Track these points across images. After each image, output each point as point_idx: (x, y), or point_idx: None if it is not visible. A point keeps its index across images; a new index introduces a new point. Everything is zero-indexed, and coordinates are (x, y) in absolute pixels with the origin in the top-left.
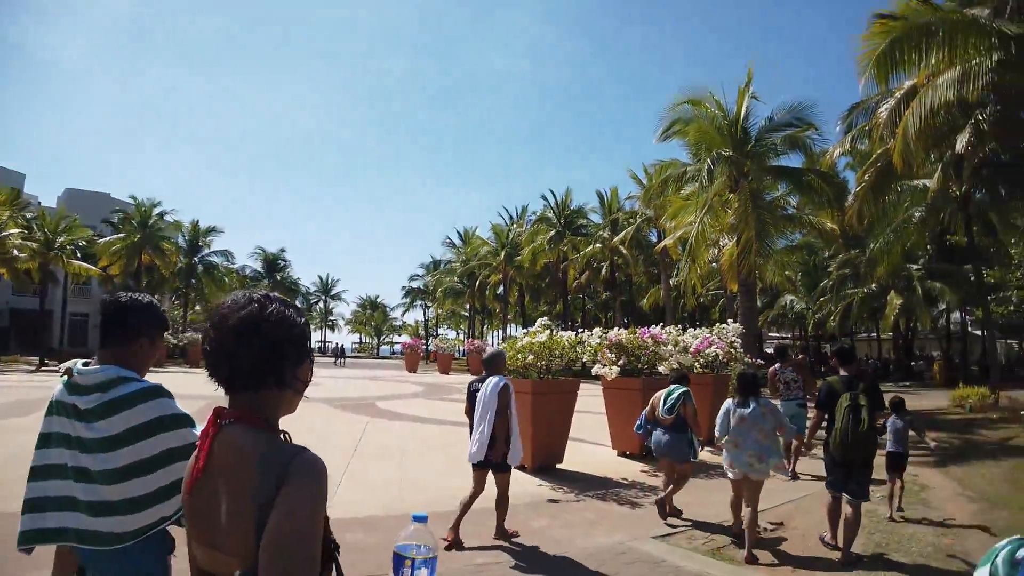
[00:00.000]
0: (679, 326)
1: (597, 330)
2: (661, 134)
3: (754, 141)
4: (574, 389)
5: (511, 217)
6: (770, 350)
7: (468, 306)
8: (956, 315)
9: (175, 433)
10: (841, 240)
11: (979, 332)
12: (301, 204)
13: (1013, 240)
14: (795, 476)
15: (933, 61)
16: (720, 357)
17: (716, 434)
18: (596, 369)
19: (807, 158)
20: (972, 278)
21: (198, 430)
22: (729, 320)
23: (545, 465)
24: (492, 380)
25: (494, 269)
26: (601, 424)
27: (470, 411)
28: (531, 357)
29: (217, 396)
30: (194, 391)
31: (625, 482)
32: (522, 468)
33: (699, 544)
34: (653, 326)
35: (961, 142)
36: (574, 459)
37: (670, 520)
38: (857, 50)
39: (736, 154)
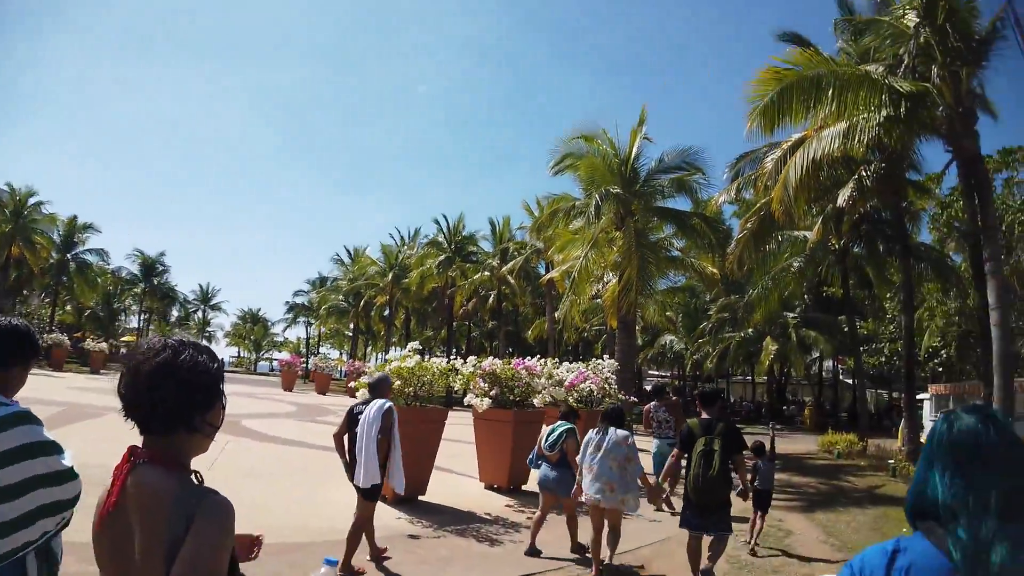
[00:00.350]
0: (555, 359)
1: (472, 358)
2: (553, 166)
3: (643, 181)
4: (442, 418)
5: (402, 238)
6: (649, 387)
7: (352, 326)
8: (829, 363)
9: (42, 460)
10: (721, 285)
11: (850, 381)
12: (186, 208)
13: (888, 295)
14: (661, 509)
15: (822, 115)
16: (595, 392)
17: (577, 460)
18: (468, 399)
19: (693, 203)
20: (846, 329)
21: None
22: (605, 356)
23: (407, 497)
24: (377, 402)
25: (381, 290)
26: (472, 455)
27: (341, 435)
28: (398, 382)
29: (75, 403)
30: (53, 396)
31: (488, 517)
32: (383, 499)
33: None
34: (530, 358)
35: (843, 196)
36: (439, 491)
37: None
38: (747, 97)
39: (624, 192)
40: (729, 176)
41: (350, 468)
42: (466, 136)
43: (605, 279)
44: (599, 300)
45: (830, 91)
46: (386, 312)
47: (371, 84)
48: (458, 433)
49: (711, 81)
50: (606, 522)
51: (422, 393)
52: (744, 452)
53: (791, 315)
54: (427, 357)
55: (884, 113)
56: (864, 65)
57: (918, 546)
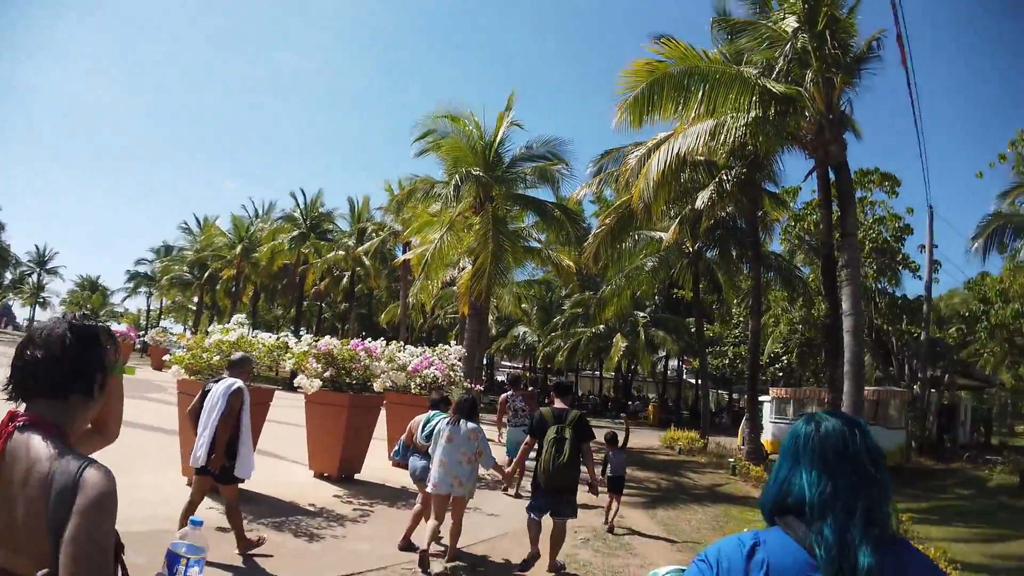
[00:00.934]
0: (401, 344)
1: (307, 337)
2: (416, 139)
3: (506, 166)
4: (266, 400)
5: (256, 211)
6: (502, 378)
7: (196, 299)
8: (674, 362)
9: None
10: (577, 280)
11: (693, 380)
12: (25, 163)
13: (736, 300)
14: (519, 495)
15: (691, 113)
16: (439, 379)
17: (421, 441)
18: (297, 380)
19: (555, 195)
20: (693, 330)
21: None
22: (452, 342)
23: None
24: (226, 381)
25: (228, 263)
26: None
27: (195, 411)
28: (218, 358)
29: None
30: None
31: (312, 509)
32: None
33: None
34: (369, 340)
35: (702, 198)
36: (262, 479)
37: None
38: (617, 88)
39: (486, 175)
40: (592, 171)
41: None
42: (331, 114)
43: (461, 265)
44: (455, 288)
45: (701, 88)
46: (233, 287)
47: (236, 54)
48: (287, 415)
49: (582, 84)
50: (448, 514)
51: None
52: (593, 442)
53: (642, 314)
54: (265, 334)
55: (753, 114)
56: (741, 66)
57: (777, 540)
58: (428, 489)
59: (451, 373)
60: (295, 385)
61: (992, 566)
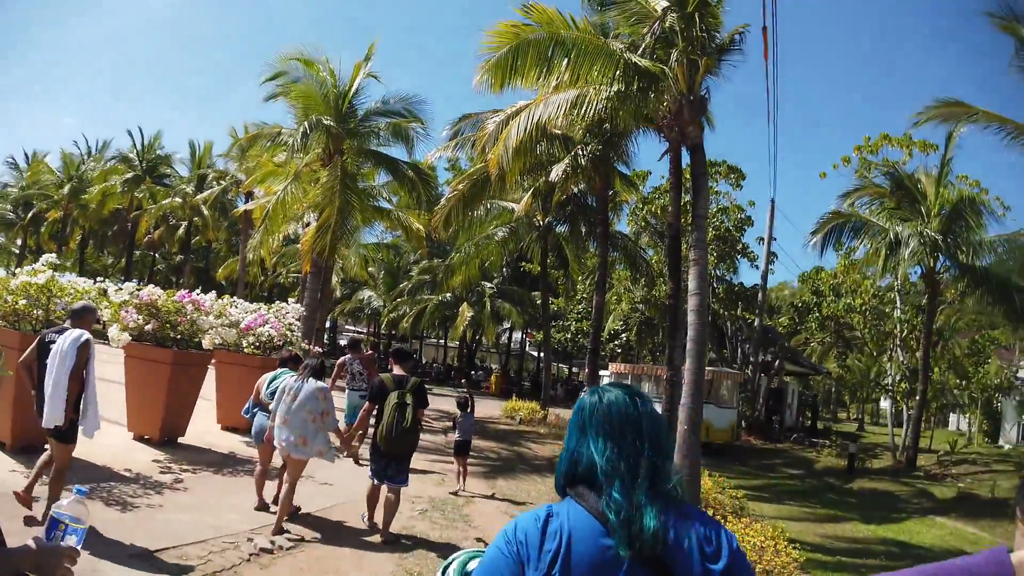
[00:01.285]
0: (233, 299)
1: (129, 285)
2: (265, 81)
3: (360, 119)
4: None
5: (90, 149)
6: (344, 341)
7: (20, 242)
8: (518, 335)
9: None
10: (426, 246)
11: (535, 353)
12: None
13: (581, 277)
14: (358, 461)
15: (554, 81)
16: (275, 339)
17: (266, 398)
18: (110, 331)
19: (410, 155)
20: (539, 304)
21: None
22: (290, 300)
23: (29, 445)
24: (74, 332)
25: (55, 203)
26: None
27: (29, 363)
28: (24, 302)
29: None
30: None
31: (128, 474)
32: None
33: (192, 562)
34: (198, 292)
35: (557, 172)
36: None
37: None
38: (481, 48)
39: (337, 127)
40: (449, 134)
41: (39, 405)
42: (179, 52)
43: (306, 220)
44: (299, 245)
45: (567, 57)
46: (59, 230)
47: None
48: (112, 372)
49: (443, 46)
50: (285, 476)
51: (54, 318)
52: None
53: (489, 285)
54: (82, 279)
55: (615, 88)
56: (609, 40)
57: (569, 510)
58: (278, 450)
59: (288, 332)
60: (109, 336)
61: (827, 546)
